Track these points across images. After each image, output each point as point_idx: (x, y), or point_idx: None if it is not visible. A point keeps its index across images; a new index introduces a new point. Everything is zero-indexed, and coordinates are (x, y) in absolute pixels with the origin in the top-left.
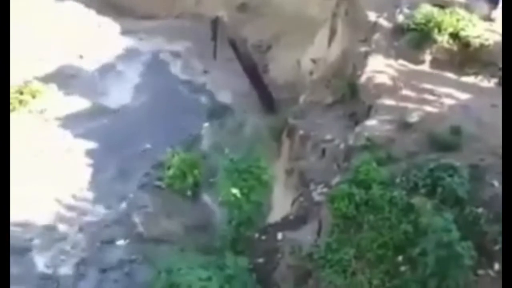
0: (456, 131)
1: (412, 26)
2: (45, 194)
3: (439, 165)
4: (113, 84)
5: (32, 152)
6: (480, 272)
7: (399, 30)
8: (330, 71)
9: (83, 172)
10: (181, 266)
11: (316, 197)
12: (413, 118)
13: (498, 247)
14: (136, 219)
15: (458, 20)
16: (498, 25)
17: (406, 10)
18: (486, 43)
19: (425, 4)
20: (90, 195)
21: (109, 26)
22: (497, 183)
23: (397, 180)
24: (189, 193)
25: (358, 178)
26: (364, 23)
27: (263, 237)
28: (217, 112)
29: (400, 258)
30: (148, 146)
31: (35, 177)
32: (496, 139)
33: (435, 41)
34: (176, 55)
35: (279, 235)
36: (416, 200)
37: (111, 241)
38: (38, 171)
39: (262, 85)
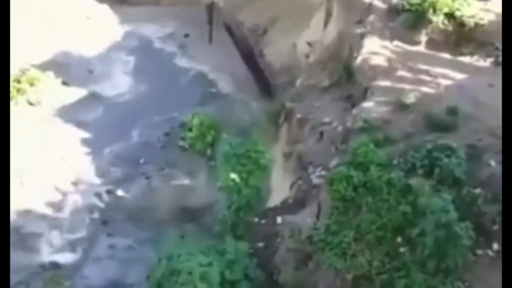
0: (452, 111)
1: (407, 6)
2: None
3: (436, 146)
4: (110, 71)
5: (34, 141)
6: (479, 252)
7: (394, 11)
8: (326, 54)
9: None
10: (181, 252)
11: (315, 180)
12: (410, 99)
13: (496, 227)
14: None
15: (453, 0)
16: (492, 4)
17: None
18: (481, 22)
19: None
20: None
21: (106, 13)
22: (494, 163)
23: (395, 161)
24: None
25: (356, 160)
26: (359, 4)
27: (263, 221)
28: (213, 96)
29: (399, 239)
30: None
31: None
32: (493, 119)
33: (430, 22)
34: (171, 40)
35: (279, 219)
36: (414, 181)
37: None
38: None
39: (259, 69)
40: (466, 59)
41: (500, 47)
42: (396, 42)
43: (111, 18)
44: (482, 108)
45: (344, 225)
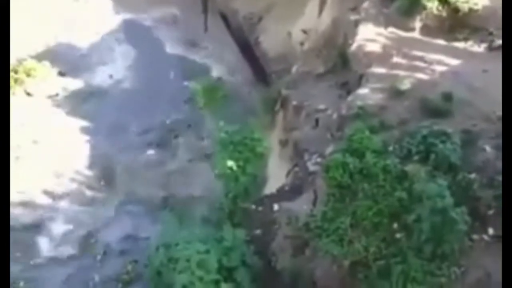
0: (447, 97)
1: None
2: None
3: (431, 132)
4: (106, 59)
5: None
6: (475, 237)
7: None
8: (321, 41)
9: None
10: (179, 240)
11: (311, 167)
12: (405, 85)
13: (491, 212)
14: None
15: None
16: None
17: None
18: (475, 7)
19: None
20: None
21: (102, 1)
22: (489, 148)
23: (390, 147)
24: None
25: (351, 147)
26: None
27: (260, 209)
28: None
29: (395, 225)
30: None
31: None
32: (487, 104)
33: (424, 8)
34: (167, 28)
35: (275, 206)
36: (410, 167)
37: None
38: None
39: (254, 57)
40: (460, 44)
41: (494, 32)
42: (390, 29)
43: (106, 6)
44: (476, 93)
45: (341, 212)
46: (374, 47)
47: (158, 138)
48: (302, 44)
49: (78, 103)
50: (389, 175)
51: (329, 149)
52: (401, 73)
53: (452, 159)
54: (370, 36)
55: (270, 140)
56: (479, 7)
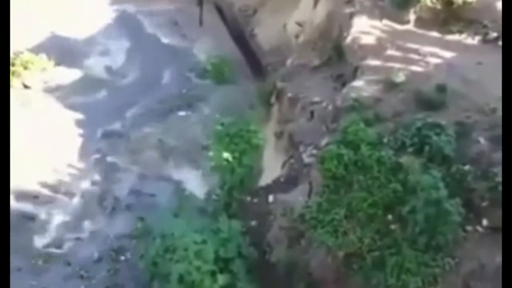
0: (442, 89)
1: None
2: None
3: (426, 124)
4: (103, 51)
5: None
6: (469, 228)
7: None
8: (316, 34)
9: None
10: (175, 231)
11: (306, 159)
12: (399, 77)
13: (485, 203)
14: None
15: None
16: None
17: None
18: (469, 0)
19: None
20: None
21: None
22: (483, 140)
23: (385, 139)
24: None
25: (346, 138)
26: None
27: (255, 200)
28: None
29: (390, 216)
30: None
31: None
32: (481, 96)
33: (418, 0)
34: (163, 21)
35: (271, 198)
36: (404, 159)
37: None
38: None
39: (250, 50)
40: (454, 37)
41: (488, 25)
42: (385, 21)
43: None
44: (470, 85)
45: (336, 203)
46: (369, 40)
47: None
48: (297, 36)
49: (76, 94)
50: (383, 166)
51: (324, 141)
52: (396, 65)
53: (446, 151)
54: (365, 29)
55: (266, 132)
56: (473, 0)
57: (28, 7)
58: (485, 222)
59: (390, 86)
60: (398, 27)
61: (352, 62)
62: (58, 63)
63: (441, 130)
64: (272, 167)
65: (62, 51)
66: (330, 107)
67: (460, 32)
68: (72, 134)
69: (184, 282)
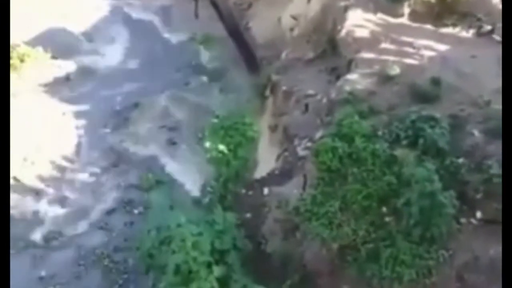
0: (436, 82)
1: None
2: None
3: (420, 117)
4: (100, 44)
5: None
6: (463, 220)
7: None
8: (311, 27)
9: None
10: (170, 222)
11: (301, 151)
12: (394, 70)
13: (479, 196)
14: None
15: None
16: None
17: None
18: None
19: None
20: None
21: None
22: (477, 133)
23: (380, 132)
24: None
25: (341, 131)
26: None
27: (250, 193)
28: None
29: (384, 209)
30: None
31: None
32: (475, 89)
33: None
34: (159, 15)
35: (266, 190)
36: (399, 151)
37: None
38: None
39: (245, 43)
40: (448, 30)
41: (482, 18)
42: (379, 15)
43: None
44: (464, 78)
45: (330, 196)
46: (363, 33)
47: None
48: (291, 30)
49: (73, 87)
50: (378, 159)
51: (319, 134)
52: (390, 58)
53: (441, 144)
54: (359, 22)
55: (260, 125)
56: None
57: (25, 0)
58: (479, 214)
59: (385, 79)
60: (392, 20)
61: (346, 55)
62: (54, 56)
63: (435, 123)
64: (266, 160)
65: (59, 44)
66: (324, 100)
67: (454, 25)
68: (68, 126)
69: (180, 273)
